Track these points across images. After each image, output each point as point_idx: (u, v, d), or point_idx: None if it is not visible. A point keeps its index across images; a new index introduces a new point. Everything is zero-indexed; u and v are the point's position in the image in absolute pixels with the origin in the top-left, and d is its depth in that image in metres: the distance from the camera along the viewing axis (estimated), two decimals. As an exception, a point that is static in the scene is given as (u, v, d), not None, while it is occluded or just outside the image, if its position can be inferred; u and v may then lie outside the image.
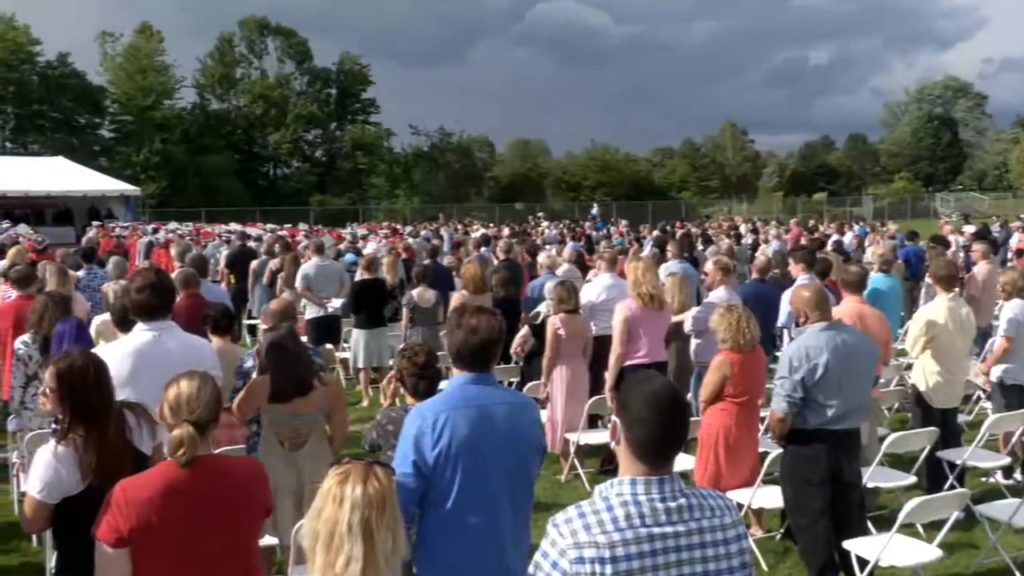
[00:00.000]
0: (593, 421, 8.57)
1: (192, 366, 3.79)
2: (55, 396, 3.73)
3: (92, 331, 7.67)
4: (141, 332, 4.97)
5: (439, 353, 5.18)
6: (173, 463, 3.23)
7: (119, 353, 4.76)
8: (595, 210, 48.99)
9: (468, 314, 3.68)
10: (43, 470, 3.60)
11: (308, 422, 5.42)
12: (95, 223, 33.39)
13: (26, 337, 7.01)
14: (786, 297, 8.94)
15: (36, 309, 7.05)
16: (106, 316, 7.72)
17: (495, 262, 13.90)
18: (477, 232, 28.38)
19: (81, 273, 11.53)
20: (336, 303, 12.07)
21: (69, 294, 8.29)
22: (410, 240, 22.23)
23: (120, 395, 4.06)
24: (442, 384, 4.20)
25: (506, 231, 28.92)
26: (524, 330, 9.27)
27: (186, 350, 4.94)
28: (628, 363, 7.87)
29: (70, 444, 3.63)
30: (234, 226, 30.35)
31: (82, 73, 64.52)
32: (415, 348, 4.58)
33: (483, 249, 17.03)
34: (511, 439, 3.59)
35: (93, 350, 4.60)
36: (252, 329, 15.39)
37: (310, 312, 12.02)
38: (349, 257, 16.25)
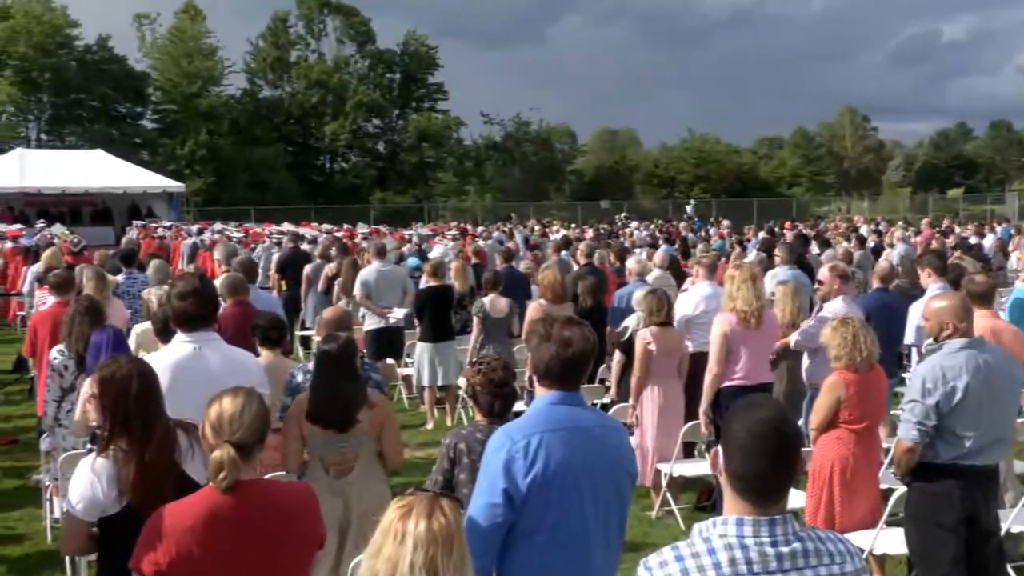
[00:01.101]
0: (689, 449, 8.48)
1: (237, 382, 3.85)
2: (97, 404, 3.85)
3: (132, 341, 7.88)
4: (180, 344, 5.07)
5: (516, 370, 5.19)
6: (215, 489, 3.28)
7: (155, 366, 4.86)
8: (691, 209, 48.64)
9: (559, 325, 3.67)
10: (80, 483, 3.72)
11: (354, 445, 5.42)
12: (136, 223, 34.43)
13: (62, 347, 7.21)
14: (915, 310, 8.70)
15: (67, 318, 7.26)
16: (147, 325, 7.92)
17: (576, 267, 13.89)
18: (557, 233, 28.39)
19: (120, 278, 11.85)
20: (398, 313, 12.18)
21: (104, 301, 8.53)
22: (481, 243, 22.32)
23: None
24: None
25: (589, 232, 28.88)
26: (617, 356, 9.18)
27: (230, 364, 5.03)
28: (725, 385, 7.78)
29: (109, 457, 3.73)
30: (286, 226, 30.84)
31: (123, 58, 66.25)
32: (492, 363, 4.60)
33: (563, 253, 17.03)
34: (607, 465, 3.59)
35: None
36: (305, 341, 15.66)
37: (369, 323, 12.17)
38: (413, 261, 16.44)
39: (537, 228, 33.91)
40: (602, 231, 31.05)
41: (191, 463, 3.85)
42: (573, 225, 39.79)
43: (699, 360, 8.32)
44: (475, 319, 11.01)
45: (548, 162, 76.19)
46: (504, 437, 3.52)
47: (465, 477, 4.38)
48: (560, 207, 63.00)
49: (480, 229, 33.11)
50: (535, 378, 3.75)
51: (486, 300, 10.98)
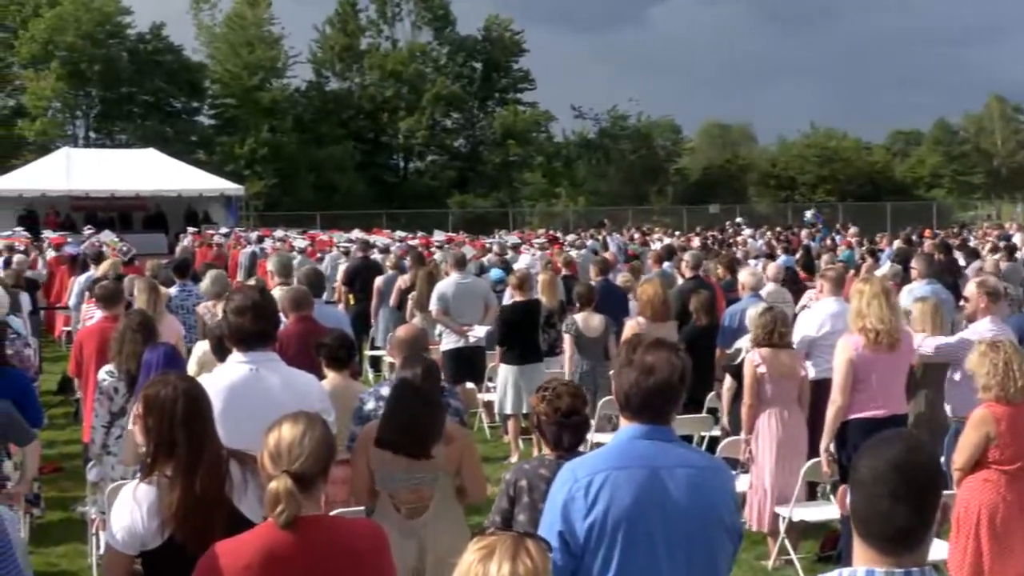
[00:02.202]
0: (811, 490, 8.34)
1: (298, 406, 3.89)
2: (141, 424, 3.92)
3: (192, 363, 8.05)
4: (236, 364, 5.13)
5: (606, 398, 5.17)
6: (272, 524, 3.30)
7: (207, 389, 4.96)
8: (811, 214, 47.92)
9: (643, 348, 3.60)
10: (121, 512, 3.80)
11: (430, 482, 5.37)
12: (190, 229, 35.08)
13: (111, 367, 7.35)
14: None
15: (116, 334, 7.41)
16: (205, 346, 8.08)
17: (680, 281, 13.79)
18: (659, 242, 28.27)
19: (173, 290, 12.10)
20: (479, 331, 12.24)
21: (156, 316, 8.72)
22: (572, 252, 22.32)
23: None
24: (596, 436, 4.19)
25: (696, 241, 28.70)
26: (727, 382, 9.07)
27: (291, 387, 5.09)
28: (852, 418, 7.61)
29: (152, 483, 3.80)
30: (356, 233, 31.19)
31: (178, 48, 67.81)
32: (558, 388, 4.59)
33: (666, 264, 16.94)
34: (692, 513, 3.49)
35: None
36: (375, 362, 15.82)
37: (447, 342, 12.26)
38: (496, 273, 16.51)
39: (636, 236, 33.83)
40: (710, 239, 30.83)
41: (245, 499, 3.87)
42: (677, 233, 39.63)
43: (823, 388, 8.17)
44: (566, 338, 11.00)
45: (649, 161, 75.97)
46: (568, 474, 3.49)
47: (525, 518, 4.36)
48: (662, 212, 62.78)
49: (571, 237, 33.08)
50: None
51: (578, 317, 10.96)
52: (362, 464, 5.49)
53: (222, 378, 5.07)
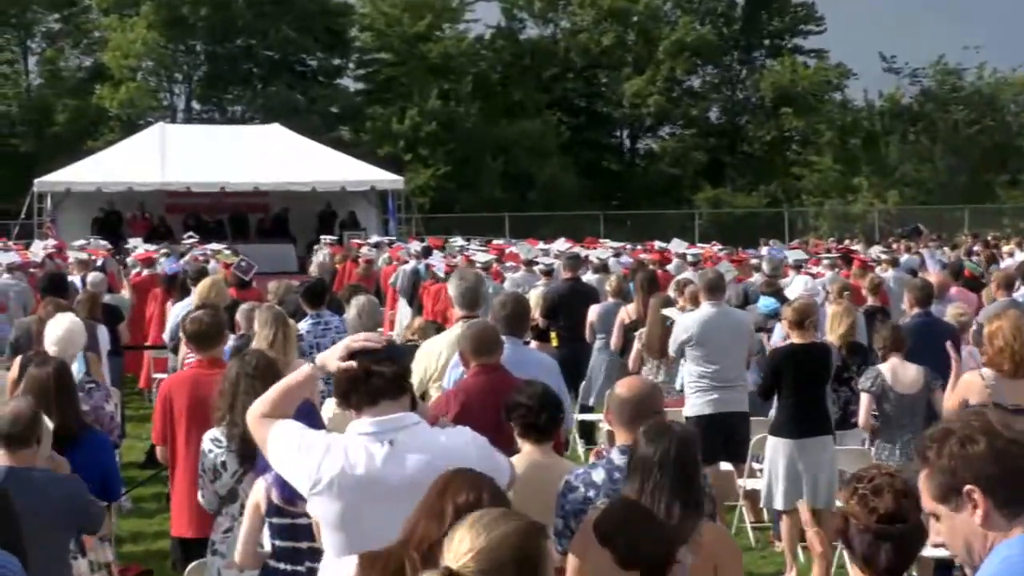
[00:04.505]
0: None
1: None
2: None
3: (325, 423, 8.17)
4: (360, 437, 5.30)
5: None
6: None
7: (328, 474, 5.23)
8: None
9: (1004, 415, 3.63)
10: None
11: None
12: (328, 238, 35.57)
13: (217, 432, 7.52)
14: None
15: (226, 384, 7.55)
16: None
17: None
18: (1009, 256, 27.45)
19: (305, 324, 12.36)
20: (738, 386, 12.21)
21: (283, 358, 8.93)
22: (882, 273, 21.84)
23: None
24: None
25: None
26: None
27: (438, 463, 5.11)
28: None
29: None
30: (559, 244, 31.28)
31: (315, -16, 68.79)
32: (878, 478, 4.48)
33: (1022, 291, 16.47)
34: None
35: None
36: (587, 430, 15.84)
37: (693, 403, 12.29)
38: (766, 304, 16.26)
39: (977, 248, 32.94)
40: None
41: None
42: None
43: None
44: (864, 398, 10.84)
45: (994, 137, 73.66)
46: None
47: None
48: (1016, 212, 60.84)
49: (877, 250, 32.43)
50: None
51: (884, 368, 10.79)
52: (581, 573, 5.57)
53: (349, 460, 5.25)
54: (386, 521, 4.81)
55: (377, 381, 5.25)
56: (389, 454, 5.18)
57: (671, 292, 15.58)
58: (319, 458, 5.21)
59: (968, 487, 3.59)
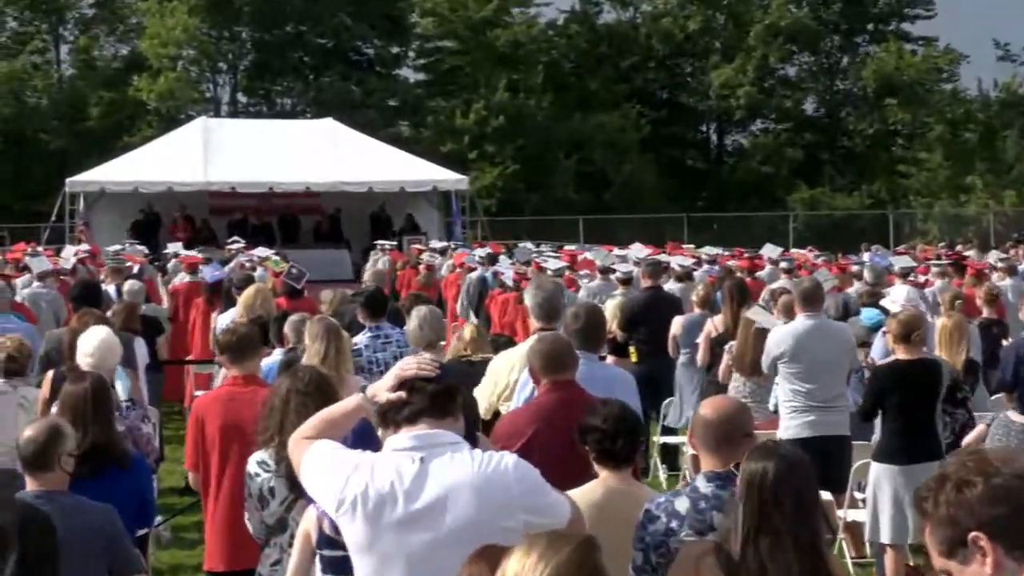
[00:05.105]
0: None
1: (496, 524, 4.24)
2: None
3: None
4: (395, 453, 5.34)
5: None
6: None
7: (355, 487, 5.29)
8: None
9: None
10: None
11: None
12: (384, 244, 35.62)
13: (264, 455, 7.53)
14: None
15: (275, 403, 7.53)
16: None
17: None
18: None
19: (364, 337, 12.41)
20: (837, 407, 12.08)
21: (337, 375, 8.96)
22: (999, 281, 21.58)
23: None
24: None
25: None
26: None
27: (487, 489, 5.17)
28: None
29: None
30: (637, 250, 31.08)
31: (371, -32, 69.04)
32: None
33: None
34: None
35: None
36: (670, 454, 15.79)
37: (789, 425, 12.22)
38: (870, 315, 16.06)
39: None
40: None
41: None
42: None
43: None
44: (980, 428, 10.71)
45: None
46: None
47: None
48: None
49: (992, 257, 32.08)
50: None
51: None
52: None
53: (375, 475, 5.29)
54: (408, 547, 4.93)
55: (418, 399, 5.28)
56: (418, 472, 5.19)
57: (762, 302, 15.51)
58: (346, 476, 5.26)
59: (972, 534, 3.54)
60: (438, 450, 5.24)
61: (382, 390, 5.35)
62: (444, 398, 5.37)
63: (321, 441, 5.44)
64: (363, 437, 6.58)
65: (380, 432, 6.96)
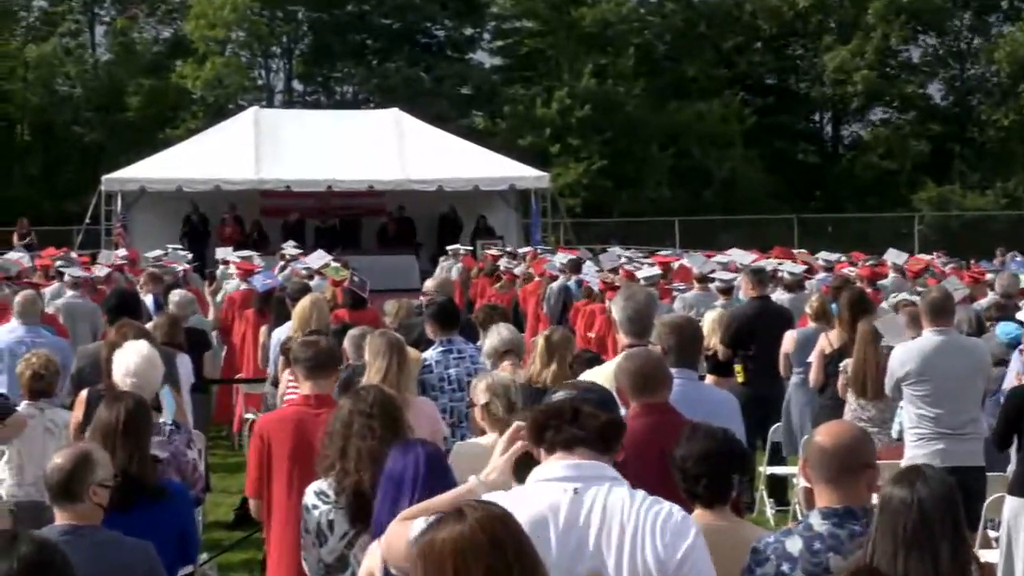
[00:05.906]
0: None
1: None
2: None
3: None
4: (542, 485, 5.34)
5: None
6: None
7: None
8: None
9: None
10: None
11: None
12: (459, 248, 35.67)
13: (323, 485, 7.56)
14: None
15: (336, 427, 7.58)
16: (477, 441, 8.21)
17: None
18: None
19: (434, 352, 12.42)
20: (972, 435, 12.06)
21: (404, 396, 9.01)
22: None
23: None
24: None
25: None
26: None
27: (646, 527, 5.23)
28: None
29: None
30: (739, 255, 30.95)
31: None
32: None
33: None
34: None
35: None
36: (777, 486, 15.72)
37: (915, 452, 12.02)
38: (1007, 330, 15.96)
39: None
40: None
41: None
42: None
43: None
44: None
45: None
46: None
47: None
48: None
49: None
50: None
51: None
52: None
53: (523, 507, 5.19)
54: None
55: (589, 422, 5.32)
56: (572, 502, 5.21)
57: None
58: None
59: None
60: (596, 483, 5.30)
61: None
62: (612, 430, 5.41)
63: None
64: (435, 472, 6.56)
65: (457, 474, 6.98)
